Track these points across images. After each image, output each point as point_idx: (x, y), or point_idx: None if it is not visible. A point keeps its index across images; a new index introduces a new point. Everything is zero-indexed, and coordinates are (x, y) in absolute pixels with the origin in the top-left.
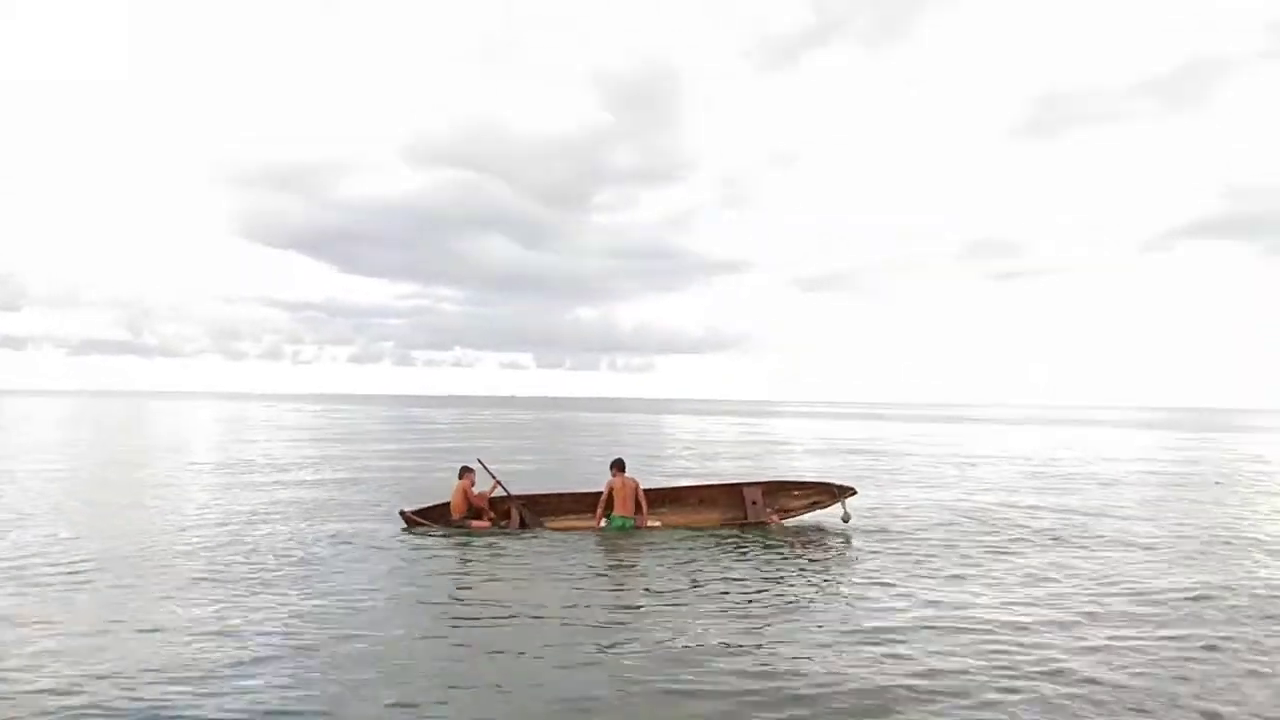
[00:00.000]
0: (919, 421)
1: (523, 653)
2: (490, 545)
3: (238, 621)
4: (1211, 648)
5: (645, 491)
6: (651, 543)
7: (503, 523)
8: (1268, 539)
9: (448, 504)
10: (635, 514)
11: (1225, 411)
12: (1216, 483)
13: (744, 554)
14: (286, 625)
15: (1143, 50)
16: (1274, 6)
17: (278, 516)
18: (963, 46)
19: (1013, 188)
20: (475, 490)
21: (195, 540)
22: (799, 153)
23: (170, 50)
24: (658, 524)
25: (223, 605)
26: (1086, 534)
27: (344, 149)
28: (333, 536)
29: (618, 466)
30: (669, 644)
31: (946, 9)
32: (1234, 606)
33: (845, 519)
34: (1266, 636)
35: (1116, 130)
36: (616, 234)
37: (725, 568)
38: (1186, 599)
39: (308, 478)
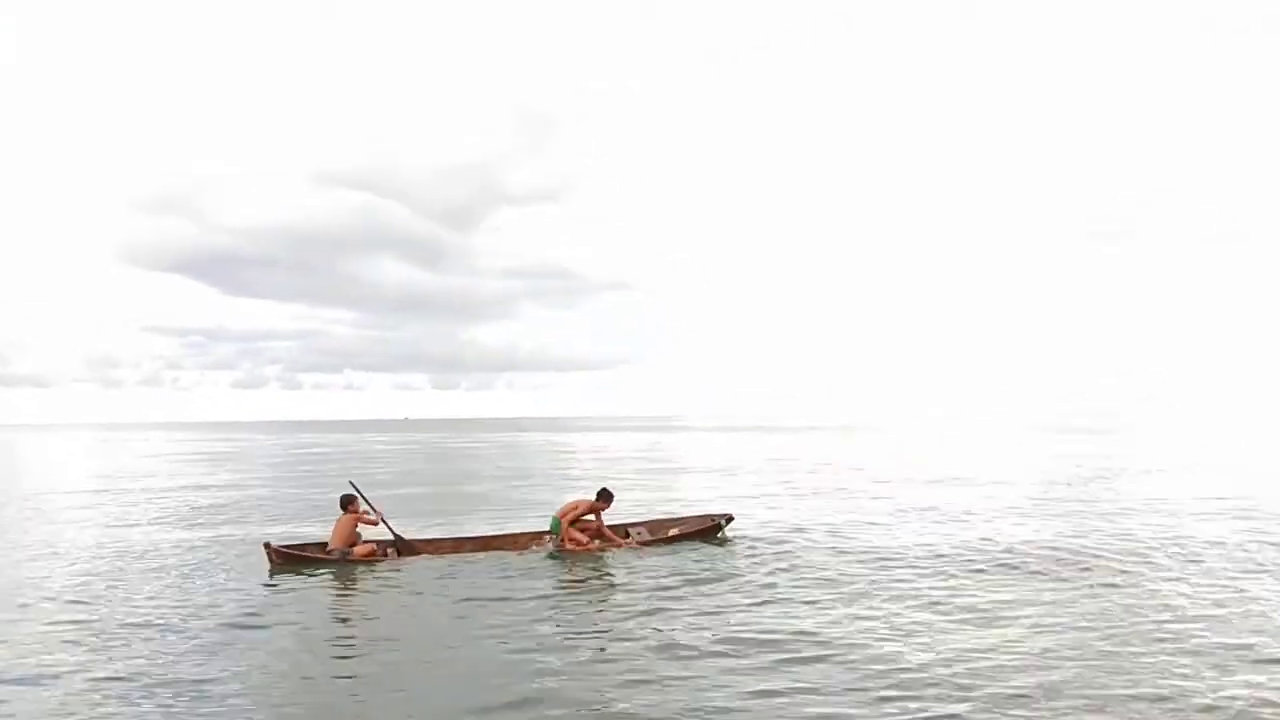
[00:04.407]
0: (807, 433)
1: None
2: (376, 577)
3: (98, 672)
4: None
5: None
6: (532, 567)
7: (390, 551)
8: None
9: (325, 544)
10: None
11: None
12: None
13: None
14: (143, 672)
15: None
16: None
17: (137, 557)
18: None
19: (909, 190)
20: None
21: (42, 587)
22: (695, 169)
23: (48, 69)
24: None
25: (75, 657)
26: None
27: (231, 170)
28: (198, 577)
29: (601, 497)
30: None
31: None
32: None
33: (722, 541)
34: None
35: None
36: (513, 255)
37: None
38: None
39: (170, 515)
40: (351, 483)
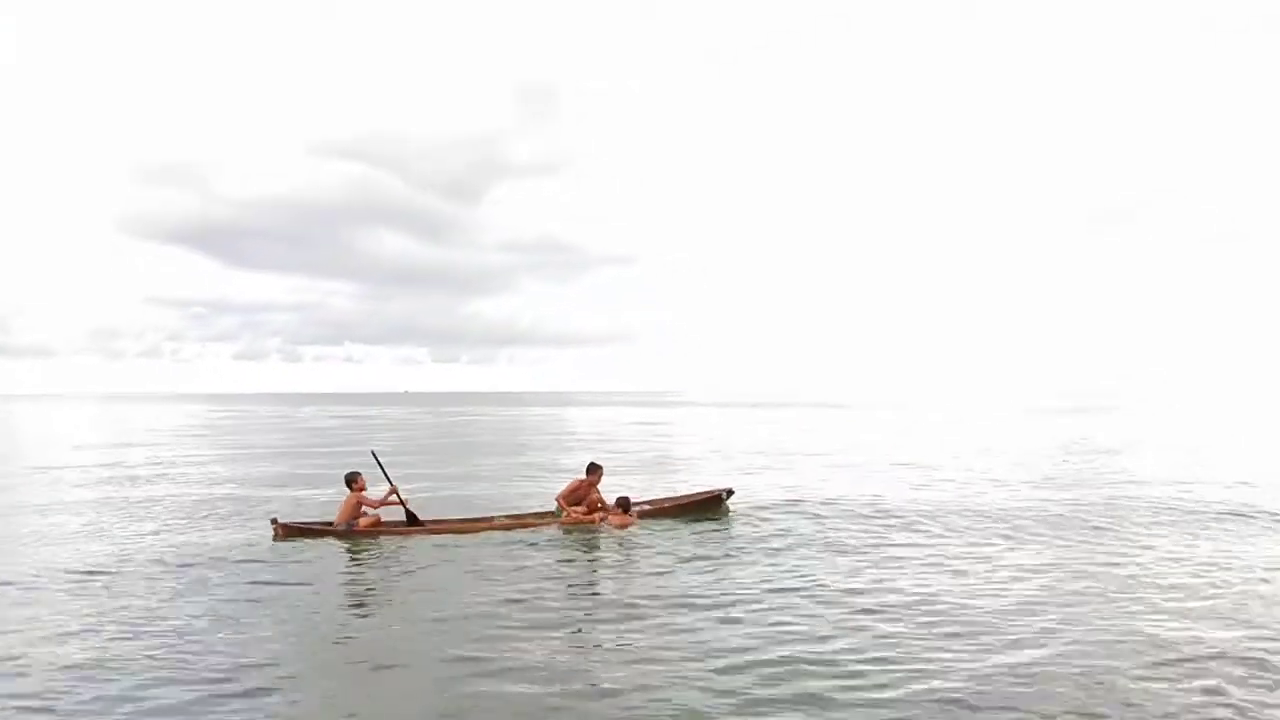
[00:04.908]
0: (806, 409)
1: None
2: (379, 551)
3: (98, 650)
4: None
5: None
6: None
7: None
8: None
9: (330, 523)
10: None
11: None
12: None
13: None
14: (150, 649)
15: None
16: None
17: (142, 530)
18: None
19: (913, 171)
20: (371, 497)
21: (48, 560)
22: (695, 146)
23: (52, 40)
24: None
25: (82, 633)
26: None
27: (232, 141)
28: (201, 551)
29: (591, 471)
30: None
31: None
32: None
33: (723, 513)
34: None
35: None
36: (513, 228)
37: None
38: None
39: (170, 488)
40: (373, 452)
